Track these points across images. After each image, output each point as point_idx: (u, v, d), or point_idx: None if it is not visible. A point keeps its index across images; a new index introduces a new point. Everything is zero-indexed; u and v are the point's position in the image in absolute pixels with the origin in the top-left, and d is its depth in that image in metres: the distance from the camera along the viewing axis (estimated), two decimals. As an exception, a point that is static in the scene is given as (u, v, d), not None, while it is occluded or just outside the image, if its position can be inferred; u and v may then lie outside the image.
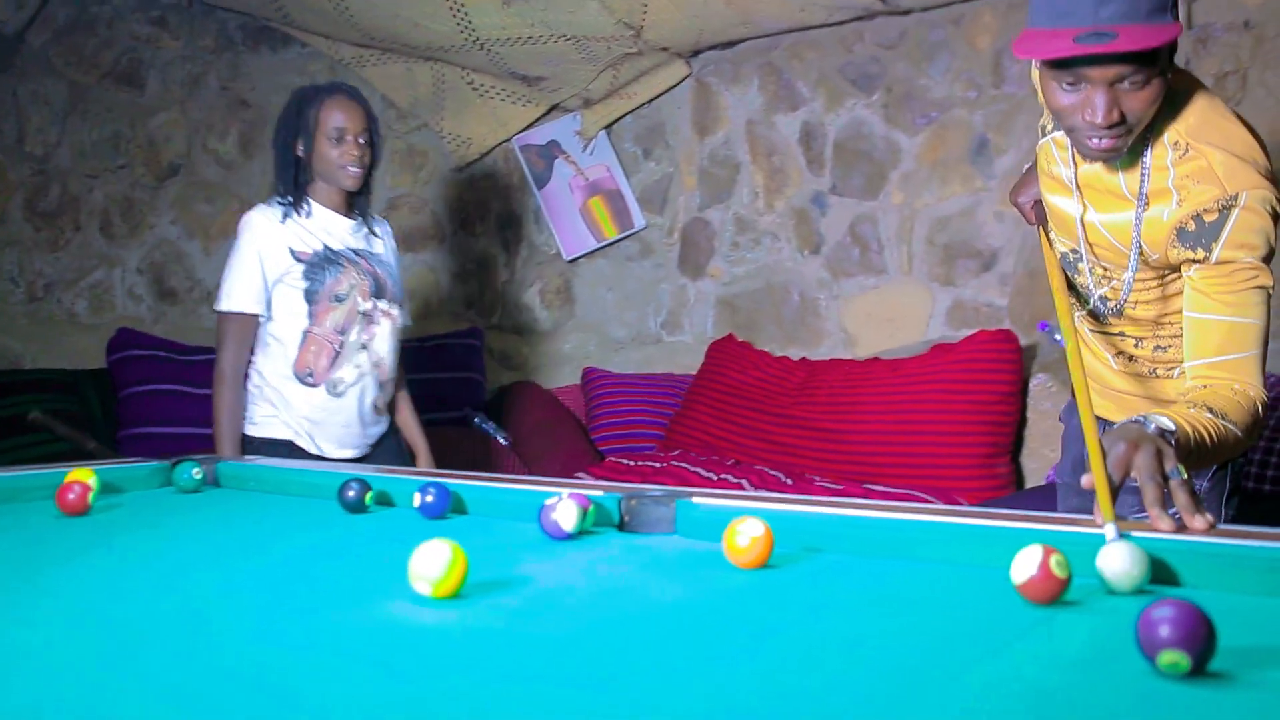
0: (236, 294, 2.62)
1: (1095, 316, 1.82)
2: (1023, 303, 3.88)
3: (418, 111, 4.89)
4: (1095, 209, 1.68)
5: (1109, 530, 1.13)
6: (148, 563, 1.35)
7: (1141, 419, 1.35)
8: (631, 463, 3.81)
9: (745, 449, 3.79)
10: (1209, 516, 1.23)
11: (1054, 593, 1.00)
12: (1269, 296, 1.56)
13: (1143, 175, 1.59)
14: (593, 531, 1.44)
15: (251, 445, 2.61)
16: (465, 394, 4.37)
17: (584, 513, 1.39)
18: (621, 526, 1.48)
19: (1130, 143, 1.54)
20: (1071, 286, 1.82)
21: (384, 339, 2.73)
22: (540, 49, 4.35)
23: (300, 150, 2.71)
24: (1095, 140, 1.51)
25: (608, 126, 4.89)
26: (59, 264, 4.30)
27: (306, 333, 2.63)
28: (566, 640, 0.95)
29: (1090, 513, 1.25)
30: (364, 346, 2.69)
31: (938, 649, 0.92)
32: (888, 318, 4.26)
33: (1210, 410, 1.44)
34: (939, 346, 3.66)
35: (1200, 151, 1.54)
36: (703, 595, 1.13)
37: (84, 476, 1.70)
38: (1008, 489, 3.32)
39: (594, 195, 4.91)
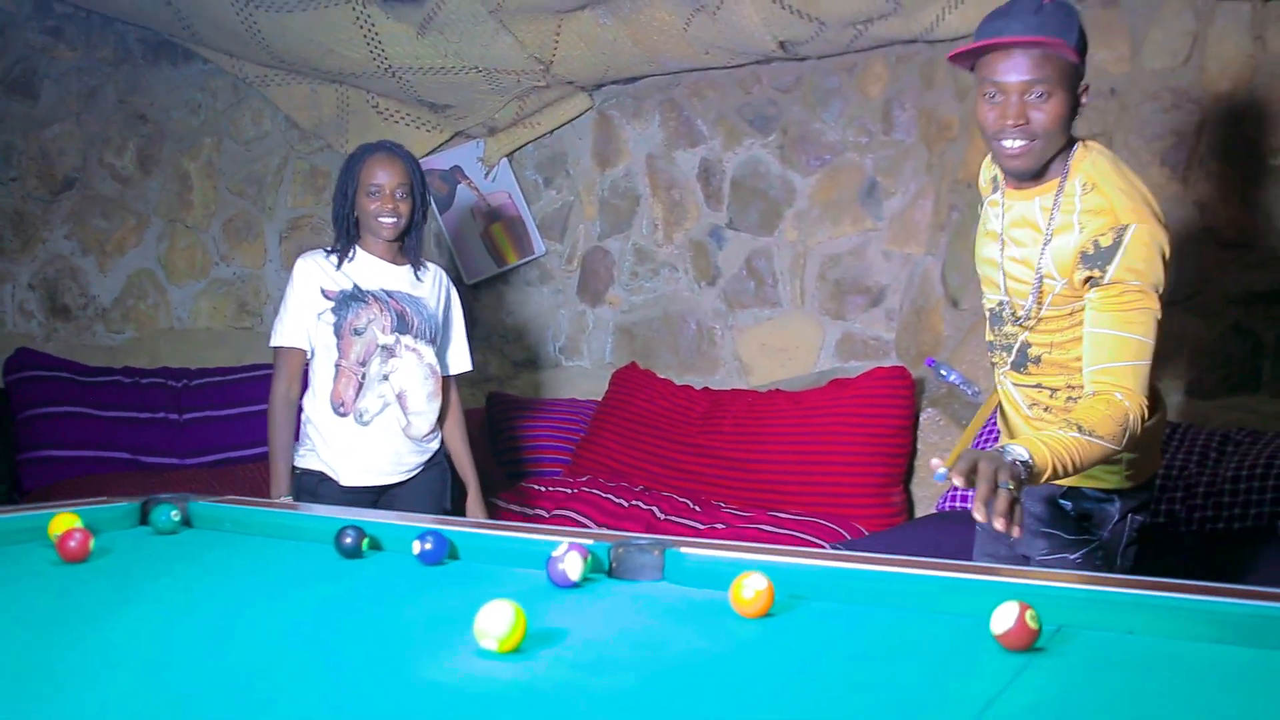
0: (282, 331, 2.87)
1: (1016, 368, 2.05)
2: (909, 337, 4.15)
3: (321, 132, 4.91)
4: (1014, 246, 1.97)
5: (939, 469, 1.54)
6: (183, 615, 1.43)
7: (1001, 448, 1.64)
8: (543, 488, 3.93)
9: (653, 475, 3.96)
10: (1014, 527, 1.53)
11: (1029, 642, 1.19)
12: (1155, 320, 1.84)
13: (1054, 208, 1.89)
14: (590, 579, 1.57)
15: (294, 475, 2.85)
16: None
17: (585, 562, 1.53)
18: (610, 573, 1.62)
19: (1039, 157, 1.86)
20: (1000, 349, 2.10)
21: (407, 372, 2.87)
22: (451, 79, 4.44)
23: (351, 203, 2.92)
24: (1009, 144, 1.84)
25: (510, 154, 5.00)
26: (-55, 278, 4.18)
27: (337, 365, 2.82)
28: (628, 690, 1.10)
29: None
30: (385, 378, 2.84)
31: (932, 695, 1.10)
32: (781, 348, 4.49)
33: (1079, 429, 1.71)
34: (837, 381, 3.90)
35: (1102, 191, 1.85)
36: (721, 645, 1.29)
37: (74, 522, 1.74)
38: (901, 516, 3.57)
39: (495, 221, 5.01)
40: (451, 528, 1.80)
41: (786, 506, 3.57)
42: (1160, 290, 1.83)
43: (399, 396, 2.87)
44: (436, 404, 2.96)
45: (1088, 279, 1.84)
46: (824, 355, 4.38)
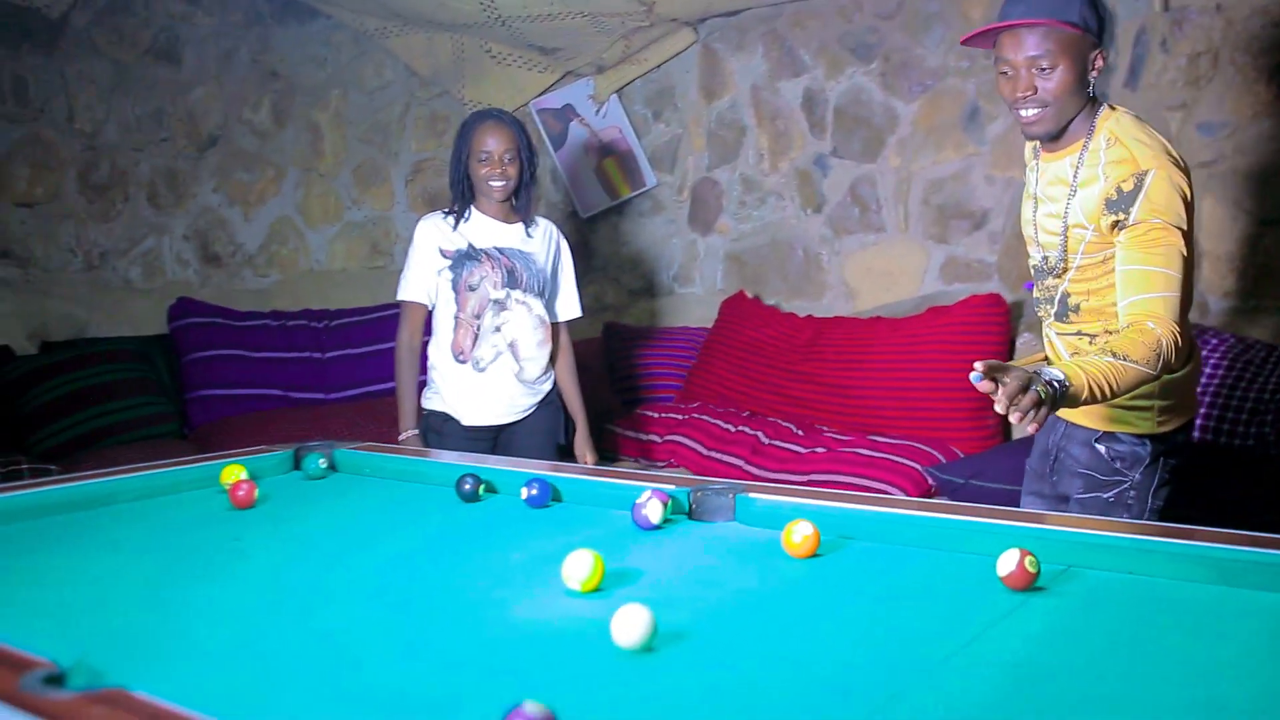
0: (406, 286, 3.16)
1: (1059, 318, 2.21)
2: (1010, 260, 4.22)
3: (439, 79, 5.16)
4: (1049, 203, 2.15)
5: (978, 371, 1.68)
6: (321, 554, 1.72)
7: (1038, 370, 1.79)
8: (656, 415, 4.18)
9: (758, 400, 4.16)
10: (1029, 420, 1.68)
11: (1028, 583, 1.38)
12: (1181, 255, 1.97)
13: (1080, 164, 2.07)
14: (671, 520, 1.81)
15: (422, 416, 3.15)
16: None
17: (665, 506, 1.76)
18: (690, 514, 1.85)
19: (1054, 122, 2.05)
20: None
21: (517, 323, 3.13)
22: (558, 24, 4.61)
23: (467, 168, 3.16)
24: (1024, 113, 2.05)
25: (619, 90, 5.16)
26: (112, 234, 4.59)
27: (456, 317, 3.11)
28: (683, 624, 1.33)
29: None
30: (498, 329, 3.12)
31: (942, 626, 1.31)
32: (886, 272, 4.61)
33: (1113, 354, 1.86)
34: (935, 309, 4.02)
35: (1124, 144, 2.02)
36: (770, 584, 1.51)
37: (240, 472, 2.06)
38: (995, 439, 3.70)
39: (607, 156, 5.21)
40: (555, 474, 2.06)
41: (885, 430, 3.74)
42: (1184, 227, 1.97)
43: (511, 345, 3.13)
44: (546, 350, 3.21)
45: (1115, 223, 2.00)
46: (928, 279, 4.48)
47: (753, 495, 1.82)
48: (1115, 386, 1.84)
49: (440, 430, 3.11)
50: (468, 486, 1.98)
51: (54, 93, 4.40)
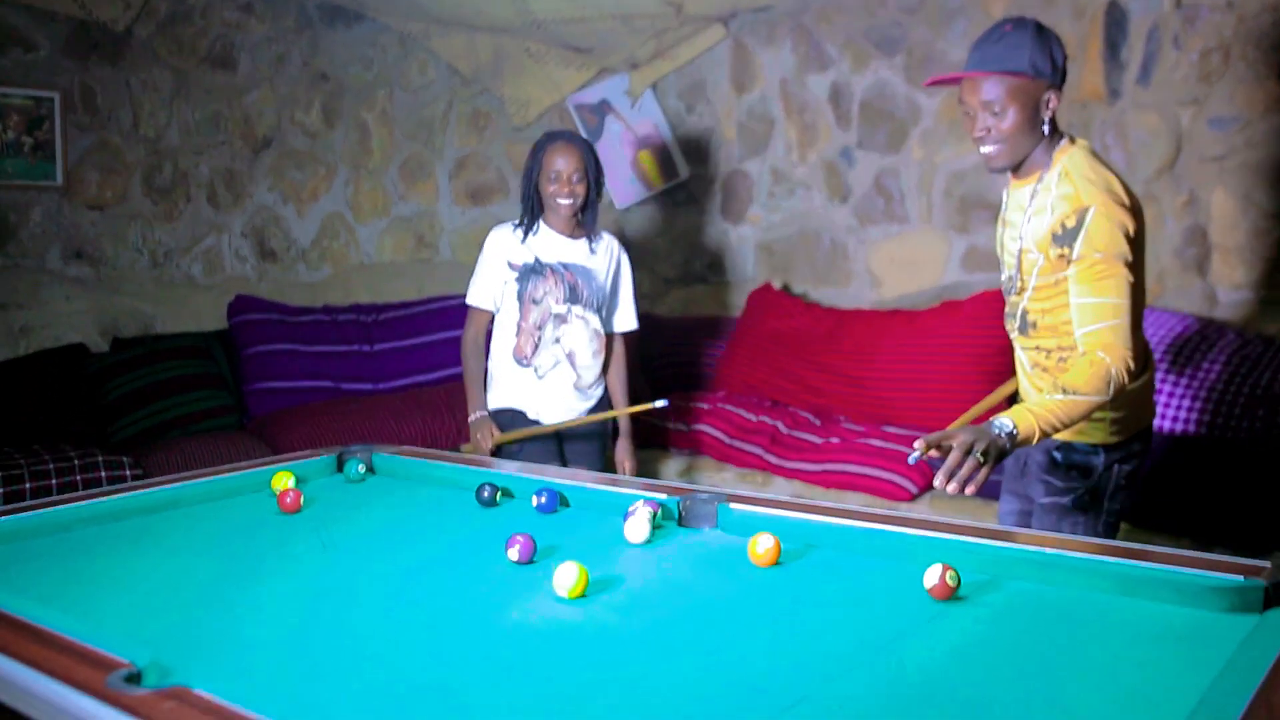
0: (473, 292, 3.41)
1: (1021, 332, 2.44)
2: (1027, 252, 4.36)
3: (480, 78, 5.38)
4: (1011, 227, 2.39)
5: (917, 451, 1.93)
6: (353, 557, 1.98)
7: (990, 422, 2.02)
8: (685, 404, 4.40)
9: (782, 390, 4.37)
10: (966, 488, 1.91)
11: (949, 594, 1.60)
12: (1127, 283, 2.18)
13: (1034, 195, 2.29)
14: (662, 525, 2.05)
15: (492, 414, 3.37)
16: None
17: (653, 516, 1.99)
18: (680, 521, 2.08)
19: (1009, 158, 2.28)
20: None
21: (575, 335, 3.38)
22: (591, 26, 4.81)
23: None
24: (982, 149, 2.30)
25: (653, 85, 5.35)
26: (175, 233, 4.90)
27: (519, 325, 3.35)
28: (653, 625, 1.57)
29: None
30: (557, 340, 3.36)
31: (866, 632, 1.53)
32: (909, 261, 4.77)
33: (1064, 391, 2.08)
34: (948, 303, 4.19)
35: (1072, 179, 2.22)
36: (734, 590, 1.74)
37: (288, 479, 2.33)
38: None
39: (643, 148, 5.40)
40: (563, 481, 2.30)
41: (897, 420, 3.93)
42: (1128, 258, 2.18)
43: (569, 355, 3.38)
44: (600, 360, 3.47)
45: (1061, 255, 2.21)
46: (950, 268, 4.64)
47: (733, 505, 2.04)
48: (1065, 420, 2.08)
49: (507, 426, 3.36)
50: (486, 494, 2.23)
51: (119, 101, 4.69)
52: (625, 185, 5.47)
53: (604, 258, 3.45)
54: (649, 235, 5.56)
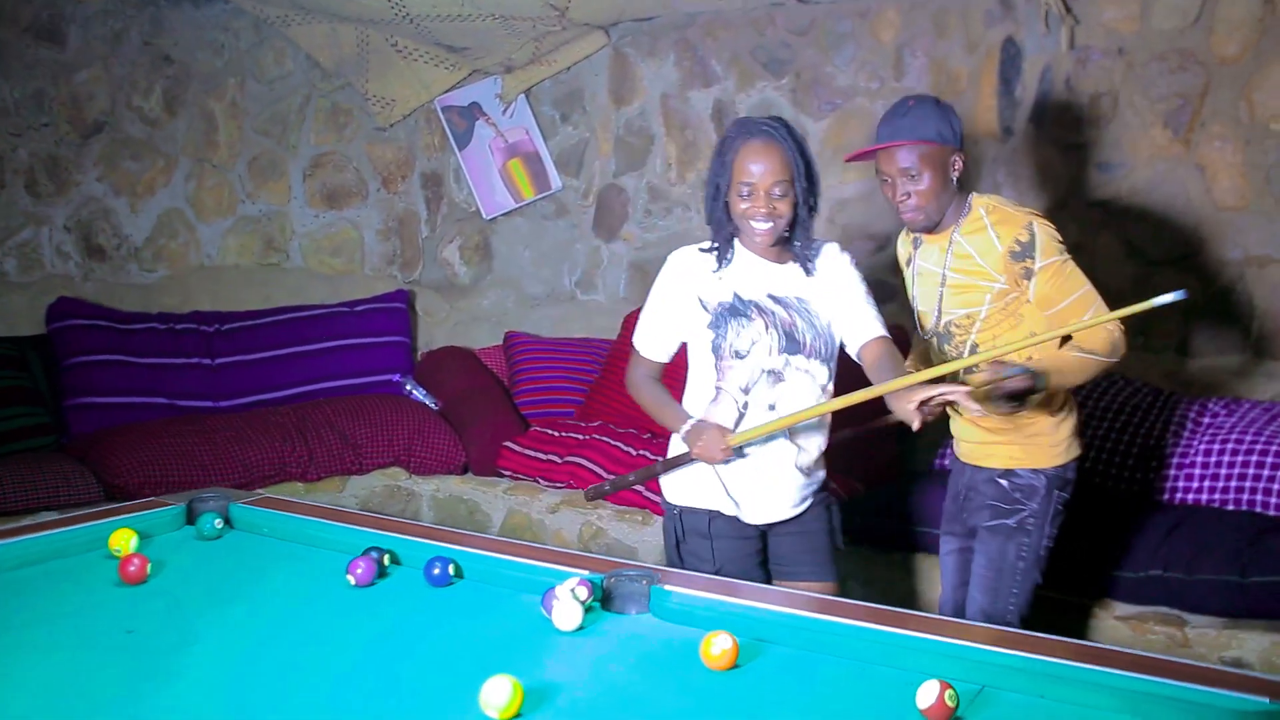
0: (644, 336, 2.57)
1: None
2: (912, 286, 4.29)
3: (342, 71, 5.00)
4: (923, 278, 2.62)
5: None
6: (212, 640, 1.65)
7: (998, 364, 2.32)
8: (557, 433, 4.14)
9: (661, 421, 4.14)
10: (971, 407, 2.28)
11: (946, 718, 1.40)
12: (1079, 270, 2.48)
13: (951, 243, 2.51)
14: (590, 606, 1.78)
15: (674, 513, 2.53)
16: (394, 359, 4.63)
17: (584, 603, 1.73)
18: (603, 603, 1.82)
19: (929, 216, 2.48)
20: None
21: (796, 398, 2.44)
22: (467, 25, 4.50)
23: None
24: (904, 214, 2.51)
25: (527, 91, 5.07)
26: (-15, 223, 4.37)
27: (718, 388, 2.46)
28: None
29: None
30: (771, 407, 2.43)
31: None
32: (789, 289, 4.64)
33: (1080, 350, 2.40)
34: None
35: (1001, 210, 2.52)
36: (689, 699, 1.50)
37: (128, 539, 1.96)
38: (894, 470, 3.78)
39: (513, 157, 5.12)
40: (460, 548, 2.01)
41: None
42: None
43: (789, 429, 2.43)
44: (826, 428, 2.54)
45: (1024, 269, 2.43)
46: (831, 298, 4.52)
47: (667, 587, 1.80)
48: (1080, 378, 2.43)
49: (705, 534, 2.47)
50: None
51: (-76, 72, 4.15)
52: (494, 194, 5.17)
53: (824, 279, 2.50)
54: (516, 248, 5.27)
